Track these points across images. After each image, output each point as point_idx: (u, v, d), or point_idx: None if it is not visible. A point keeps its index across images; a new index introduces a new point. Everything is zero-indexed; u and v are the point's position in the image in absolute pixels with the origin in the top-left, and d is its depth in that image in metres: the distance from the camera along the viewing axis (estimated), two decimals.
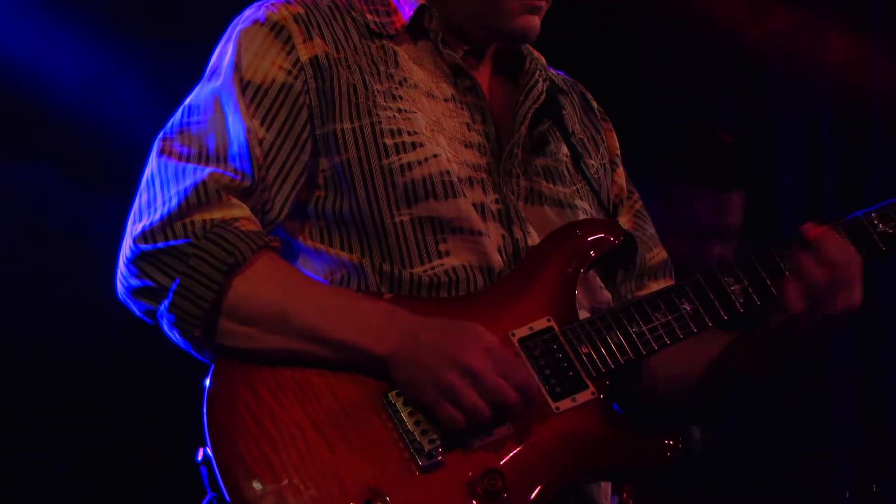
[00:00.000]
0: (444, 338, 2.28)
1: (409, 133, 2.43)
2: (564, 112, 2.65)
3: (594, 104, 2.80)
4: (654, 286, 2.64)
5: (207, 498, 2.24)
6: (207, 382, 2.29)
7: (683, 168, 4.11)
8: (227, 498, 2.20)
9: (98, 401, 4.54)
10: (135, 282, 2.34)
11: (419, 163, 2.42)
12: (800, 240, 2.42)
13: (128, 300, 2.38)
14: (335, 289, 2.40)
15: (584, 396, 2.34)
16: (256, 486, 2.20)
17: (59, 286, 4.58)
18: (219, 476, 2.21)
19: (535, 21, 2.53)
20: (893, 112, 4.63)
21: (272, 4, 2.49)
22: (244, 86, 2.42)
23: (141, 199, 2.39)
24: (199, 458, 2.26)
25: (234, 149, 2.39)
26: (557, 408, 2.32)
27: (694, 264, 3.75)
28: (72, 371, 4.56)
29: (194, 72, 2.55)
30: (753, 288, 2.43)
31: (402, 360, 2.28)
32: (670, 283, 2.70)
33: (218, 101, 2.43)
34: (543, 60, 2.71)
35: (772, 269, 2.44)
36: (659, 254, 2.74)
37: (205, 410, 2.27)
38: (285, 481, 2.20)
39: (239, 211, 2.35)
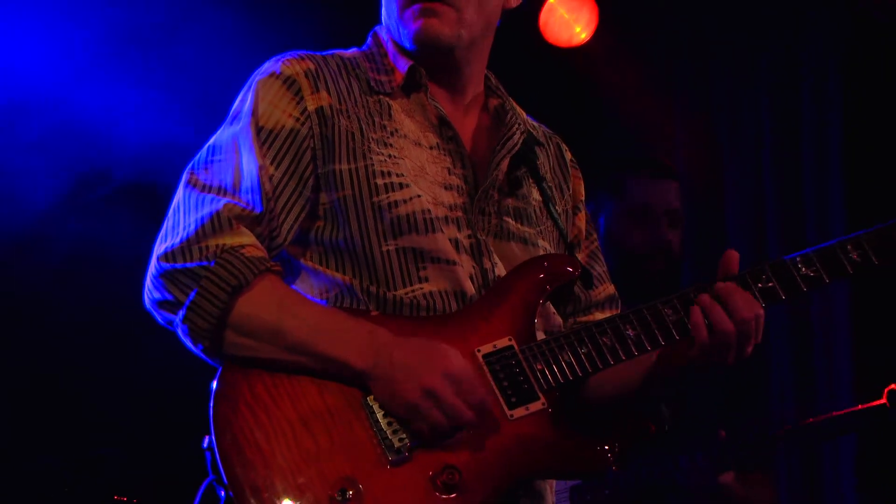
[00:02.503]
0: (414, 359, 2.60)
1: (396, 175, 2.77)
2: (538, 161, 2.98)
3: (567, 155, 3.12)
4: (601, 316, 2.96)
5: (208, 479, 2.57)
6: (214, 383, 2.63)
7: (628, 164, 5.00)
8: (224, 479, 2.52)
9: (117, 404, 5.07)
10: (157, 295, 2.68)
11: (404, 201, 2.75)
12: (710, 291, 2.73)
13: (152, 310, 2.72)
14: (325, 309, 2.72)
15: (535, 406, 2.67)
16: (248, 468, 2.52)
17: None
18: (219, 460, 2.54)
19: (430, 23, 2.82)
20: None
21: (287, 59, 2.84)
22: (258, 130, 2.76)
23: (168, 222, 2.73)
24: (205, 444, 2.59)
25: (247, 183, 2.72)
26: (512, 415, 2.65)
27: (655, 244, 4.69)
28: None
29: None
30: (689, 318, 2.73)
31: (379, 377, 2.60)
32: (616, 313, 3.00)
33: (236, 143, 2.77)
34: (524, 115, 3.04)
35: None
36: (606, 289, 3.06)
37: (211, 404, 2.60)
38: (273, 467, 2.52)
39: (247, 238, 2.68)
